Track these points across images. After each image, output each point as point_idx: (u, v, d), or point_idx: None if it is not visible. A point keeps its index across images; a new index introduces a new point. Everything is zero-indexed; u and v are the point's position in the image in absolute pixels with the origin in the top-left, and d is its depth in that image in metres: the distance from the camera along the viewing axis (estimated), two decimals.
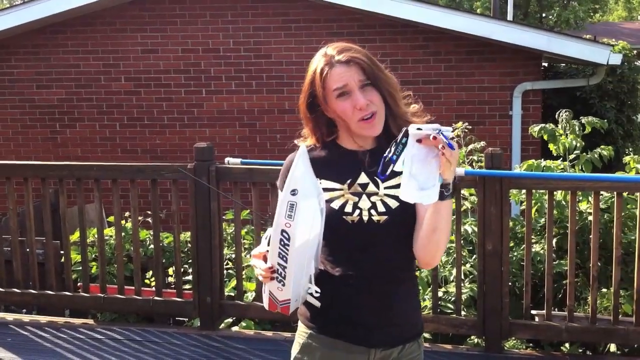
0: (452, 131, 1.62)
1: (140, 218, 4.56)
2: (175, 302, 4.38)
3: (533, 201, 4.21)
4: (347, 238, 1.84)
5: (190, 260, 4.62)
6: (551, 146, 4.90)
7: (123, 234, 4.73)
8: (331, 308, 1.86)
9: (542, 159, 4.77)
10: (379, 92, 1.83)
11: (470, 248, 4.55)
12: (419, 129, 1.60)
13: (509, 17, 12.99)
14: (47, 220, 4.54)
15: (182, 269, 4.51)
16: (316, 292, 1.82)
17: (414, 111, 1.94)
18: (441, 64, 7.57)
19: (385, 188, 1.84)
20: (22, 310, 5.42)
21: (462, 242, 4.12)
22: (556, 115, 4.98)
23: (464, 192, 4.51)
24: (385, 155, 1.64)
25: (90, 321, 4.64)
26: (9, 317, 4.67)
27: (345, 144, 1.90)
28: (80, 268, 4.66)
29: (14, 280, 4.59)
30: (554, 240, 4.16)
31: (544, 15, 25.15)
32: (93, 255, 5.06)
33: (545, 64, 8.96)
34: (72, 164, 4.92)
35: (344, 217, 1.82)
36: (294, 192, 1.72)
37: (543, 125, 4.94)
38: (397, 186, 1.77)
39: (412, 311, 1.93)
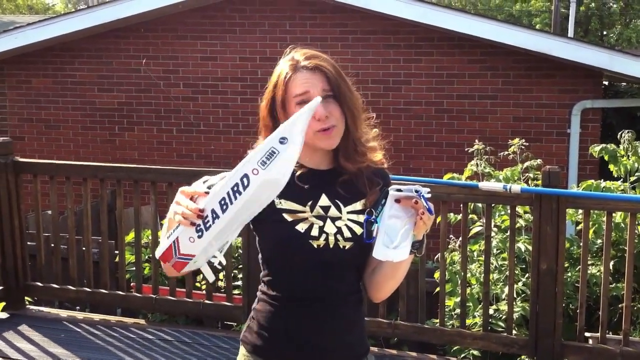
0: (429, 192, 1.62)
1: None
2: (225, 306, 4.42)
3: (590, 222, 4.13)
4: (309, 262, 1.75)
5: (240, 266, 4.66)
6: (612, 167, 4.80)
7: None
8: (286, 334, 1.78)
9: (601, 180, 4.67)
10: (340, 106, 1.74)
11: (523, 266, 4.48)
12: (399, 190, 1.61)
13: (570, 33, 12.78)
14: (103, 220, 4.63)
15: (232, 274, 4.55)
16: (219, 264, 1.66)
17: (373, 136, 1.85)
18: (499, 79, 7.49)
19: (348, 213, 1.79)
20: (76, 308, 5.54)
21: (515, 260, 4.06)
22: (618, 136, 4.88)
23: (519, 209, 4.44)
24: (366, 218, 1.66)
25: (142, 321, 4.72)
26: (63, 313, 4.78)
27: (302, 160, 1.77)
28: (134, 268, 4.75)
29: (69, 278, 4.70)
30: (611, 263, 4.07)
31: (604, 33, 24.69)
32: (146, 257, 5.15)
33: (606, 83, 8.79)
34: (130, 166, 5.02)
35: (310, 241, 1.74)
36: (282, 141, 1.53)
37: (605, 145, 4.84)
38: (360, 211, 1.79)
39: (363, 330, 1.89)
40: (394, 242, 1.62)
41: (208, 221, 1.55)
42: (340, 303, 1.79)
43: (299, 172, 1.79)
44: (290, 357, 1.78)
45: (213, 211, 1.54)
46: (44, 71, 8.58)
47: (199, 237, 1.56)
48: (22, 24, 9.24)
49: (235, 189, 1.53)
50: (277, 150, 1.52)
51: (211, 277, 1.69)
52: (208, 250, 1.59)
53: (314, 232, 1.74)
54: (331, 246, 1.74)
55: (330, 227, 1.76)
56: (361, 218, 1.78)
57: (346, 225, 1.77)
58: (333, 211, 1.78)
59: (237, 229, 1.60)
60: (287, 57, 1.80)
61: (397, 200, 1.61)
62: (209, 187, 1.59)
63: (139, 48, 8.29)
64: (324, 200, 1.79)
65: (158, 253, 1.63)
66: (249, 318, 1.88)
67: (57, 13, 27.94)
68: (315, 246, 1.73)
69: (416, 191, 1.60)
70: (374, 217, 1.63)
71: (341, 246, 1.75)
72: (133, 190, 4.54)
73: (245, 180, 1.52)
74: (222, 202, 1.54)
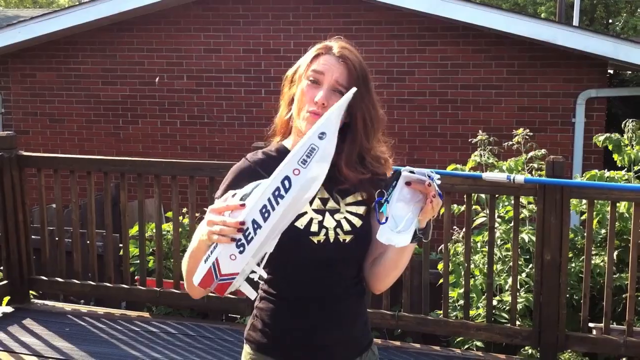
0: (439, 179, 1.59)
1: (197, 214, 4.62)
2: (229, 298, 4.41)
3: (594, 212, 4.11)
4: (310, 258, 1.73)
5: None
6: (616, 157, 4.77)
7: (180, 229, 4.79)
8: (290, 332, 1.77)
9: (605, 169, 4.65)
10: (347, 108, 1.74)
11: (527, 257, 4.47)
12: (411, 171, 1.58)
13: (575, 22, 12.70)
14: (107, 213, 4.64)
15: None
16: (260, 278, 1.56)
17: (382, 151, 1.81)
18: (503, 69, 7.46)
19: (346, 205, 1.77)
20: (81, 301, 5.56)
21: (518, 250, 4.05)
22: (622, 125, 4.85)
23: (523, 200, 4.43)
24: (378, 199, 1.62)
25: (146, 314, 4.73)
26: (68, 307, 4.79)
27: None
28: (138, 261, 4.76)
29: (73, 271, 4.71)
30: (615, 253, 4.06)
31: (610, 21, 24.54)
32: (151, 250, 5.16)
33: (611, 71, 8.74)
34: (134, 159, 5.02)
35: (310, 237, 1.72)
36: (322, 136, 1.48)
37: (608, 134, 4.82)
38: (357, 203, 1.77)
39: (366, 322, 1.89)
40: (399, 227, 1.60)
41: (250, 233, 1.47)
42: (342, 298, 1.79)
43: None
44: (296, 354, 1.78)
45: (254, 222, 1.47)
46: (48, 65, 8.59)
47: (241, 252, 1.47)
48: (26, 17, 9.25)
49: (277, 193, 1.46)
50: (317, 146, 1.47)
51: (252, 294, 1.58)
52: (249, 266, 1.51)
53: (314, 227, 1.73)
54: (331, 240, 1.73)
55: (329, 221, 1.75)
56: (360, 210, 1.77)
57: (345, 218, 1.76)
58: (331, 204, 1.77)
59: (275, 238, 1.52)
60: (326, 41, 1.81)
61: (408, 184, 1.59)
62: (241, 199, 1.51)
63: (142, 41, 8.29)
64: (322, 193, 1.77)
65: (197, 280, 1.53)
66: (252, 316, 1.87)
67: (61, 6, 27.94)
68: (316, 242, 1.73)
69: (428, 175, 1.58)
70: (385, 198, 1.60)
71: (341, 240, 1.74)
72: (137, 184, 4.55)
73: (286, 182, 1.46)
74: (264, 210, 1.46)
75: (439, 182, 1.59)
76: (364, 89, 1.72)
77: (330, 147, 1.49)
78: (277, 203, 1.46)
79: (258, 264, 1.54)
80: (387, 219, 1.60)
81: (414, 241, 1.65)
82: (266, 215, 1.47)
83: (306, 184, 1.47)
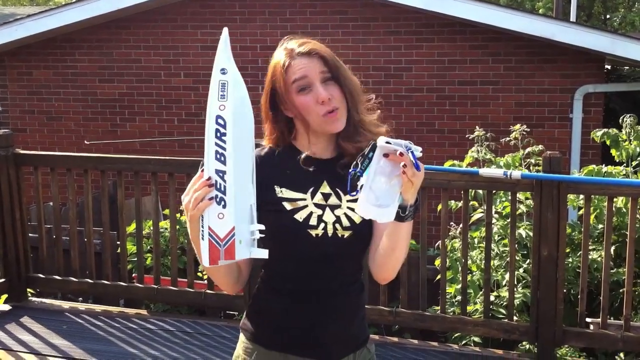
0: (421, 151, 1.54)
1: None
2: (226, 295, 4.41)
3: (591, 207, 4.11)
4: (308, 252, 1.74)
5: None
6: (613, 152, 4.77)
7: (178, 227, 4.78)
8: (285, 324, 1.78)
9: (603, 165, 4.65)
10: (340, 88, 1.74)
11: (524, 252, 4.47)
12: (387, 142, 1.54)
13: (572, 18, 12.69)
14: (105, 211, 4.64)
15: None
16: (260, 231, 1.56)
17: (374, 119, 1.82)
18: (500, 65, 7.46)
19: (348, 201, 1.77)
20: (78, 299, 5.56)
21: (516, 246, 4.05)
22: (620, 120, 4.86)
23: (519, 195, 4.43)
24: (351, 170, 1.58)
25: (144, 311, 4.73)
26: (65, 305, 4.79)
27: (304, 149, 1.80)
28: (136, 259, 4.76)
29: (71, 269, 4.71)
30: (612, 248, 4.06)
31: (607, 16, 24.54)
32: (148, 247, 5.15)
33: (608, 67, 8.74)
34: (131, 157, 5.02)
35: (309, 230, 1.72)
36: (224, 71, 1.57)
37: (606, 130, 4.82)
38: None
39: (363, 319, 1.88)
40: (379, 200, 1.56)
41: (220, 184, 1.51)
42: (338, 292, 1.79)
43: (301, 161, 1.78)
44: (290, 346, 1.78)
45: (217, 171, 1.52)
46: (45, 62, 8.57)
47: (224, 206, 1.50)
48: (23, 15, 9.23)
49: (219, 134, 1.53)
50: (226, 80, 1.56)
51: (265, 253, 1.57)
52: (242, 215, 1.52)
53: (313, 221, 1.73)
54: (330, 235, 1.73)
55: (329, 216, 1.75)
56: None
57: (345, 213, 1.76)
58: (333, 199, 1.77)
59: (249, 182, 1.55)
60: (282, 47, 1.80)
61: (386, 155, 1.55)
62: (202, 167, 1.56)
63: (139, 38, 8.28)
64: (325, 188, 1.78)
65: (205, 260, 1.53)
66: (248, 305, 1.88)
67: (58, 4, 27.87)
68: (314, 235, 1.73)
69: (406, 147, 1.53)
70: (359, 169, 1.56)
71: (339, 235, 1.74)
72: (134, 181, 4.54)
73: (220, 120, 1.53)
74: (218, 156, 1.52)
75: (420, 154, 1.54)
76: (338, 64, 1.77)
77: (238, 76, 1.58)
78: (224, 142, 1.52)
79: (252, 222, 1.56)
80: (357, 191, 1.56)
81: (405, 219, 1.62)
82: (222, 158, 1.52)
83: (237, 108, 1.55)
